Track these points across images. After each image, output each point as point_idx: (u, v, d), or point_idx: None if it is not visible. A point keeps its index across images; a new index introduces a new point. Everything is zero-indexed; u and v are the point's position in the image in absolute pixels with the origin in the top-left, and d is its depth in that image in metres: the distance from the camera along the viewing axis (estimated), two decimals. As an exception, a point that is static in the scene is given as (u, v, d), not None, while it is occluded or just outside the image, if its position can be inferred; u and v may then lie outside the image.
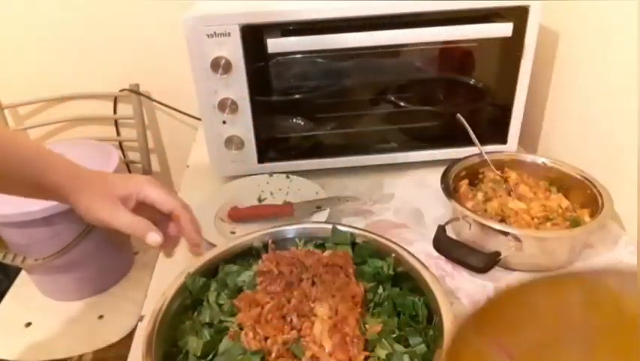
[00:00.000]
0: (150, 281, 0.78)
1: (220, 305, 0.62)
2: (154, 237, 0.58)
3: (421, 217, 0.89)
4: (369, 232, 0.69)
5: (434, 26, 0.87)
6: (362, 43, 0.88)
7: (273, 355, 0.54)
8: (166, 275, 0.68)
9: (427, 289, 0.60)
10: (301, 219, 0.86)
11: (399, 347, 0.55)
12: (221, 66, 0.87)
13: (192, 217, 0.63)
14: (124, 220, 0.57)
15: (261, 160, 0.98)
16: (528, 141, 1.09)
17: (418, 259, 0.64)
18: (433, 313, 0.58)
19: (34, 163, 0.56)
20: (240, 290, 0.64)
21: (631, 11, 0.78)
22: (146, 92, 1.43)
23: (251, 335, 0.55)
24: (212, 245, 0.77)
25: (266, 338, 0.55)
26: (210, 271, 0.66)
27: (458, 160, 0.88)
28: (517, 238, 0.72)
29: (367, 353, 0.54)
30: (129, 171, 1.53)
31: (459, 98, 1.02)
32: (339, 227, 0.70)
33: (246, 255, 0.69)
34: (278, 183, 0.96)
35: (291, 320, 0.57)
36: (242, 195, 0.94)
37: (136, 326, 0.68)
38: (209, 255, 0.67)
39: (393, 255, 0.65)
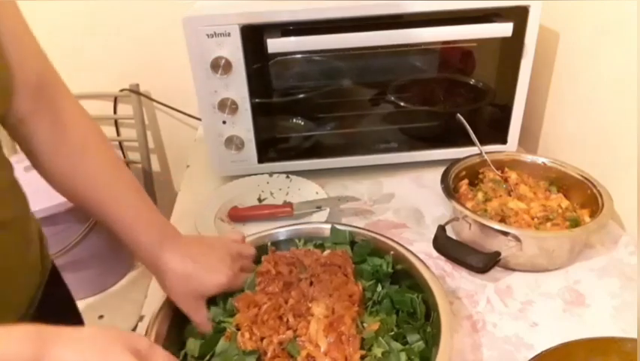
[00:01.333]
0: (150, 281, 0.78)
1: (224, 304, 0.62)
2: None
3: (421, 217, 0.89)
4: (368, 231, 0.69)
5: (434, 26, 0.87)
6: (362, 43, 0.88)
7: (269, 355, 0.54)
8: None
9: (425, 286, 0.60)
10: (301, 219, 0.86)
11: (396, 345, 0.55)
12: (221, 66, 0.87)
13: None
14: (201, 320, 0.60)
15: (261, 160, 0.98)
16: (528, 141, 1.09)
17: (416, 256, 0.64)
18: (431, 310, 0.58)
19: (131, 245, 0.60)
20: (240, 291, 0.64)
21: (630, 11, 0.78)
22: (146, 92, 1.43)
23: (247, 335, 0.55)
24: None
25: (262, 339, 0.55)
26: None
27: (458, 160, 0.88)
28: (517, 238, 0.72)
29: (363, 352, 0.54)
30: (129, 171, 1.53)
31: (459, 98, 1.02)
32: (338, 226, 0.70)
33: None
34: (278, 183, 0.96)
35: (288, 320, 0.57)
36: (242, 195, 0.94)
37: (136, 326, 0.68)
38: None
39: (392, 253, 0.65)
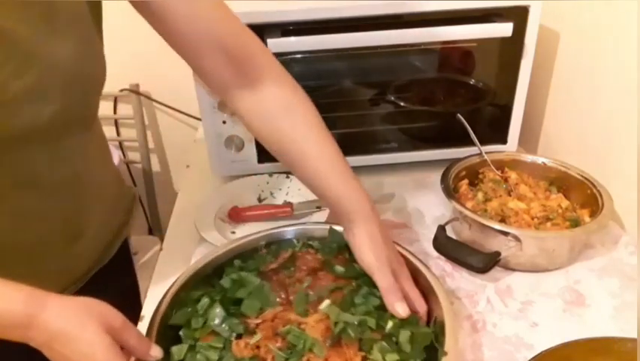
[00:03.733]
0: (150, 282, 0.78)
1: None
2: (402, 307, 0.56)
3: (421, 217, 0.89)
4: None
5: (434, 26, 0.87)
6: (362, 43, 0.88)
7: None
8: (166, 276, 0.68)
9: (428, 288, 0.60)
10: (301, 219, 0.86)
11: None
12: (221, 66, 0.87)
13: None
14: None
15: (261, 160, 0.98)
16: (528, 141, 1.09)
17: (419, 259, 0.64)
18: (432, 313, 0.58)
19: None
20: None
21: (631, 11, 0.78)
22: (146, 92, 1.43)
23: (242, 344, 0.55)
24: (213, 245, 0.77)
25: (257, 347, 0.55)
26: (211, 272, 0.65)
27: (458, 160, 0.88)
28: (517, 238, 0.72)
29: (363, 354, 0.54)
30: (129, 171, 1.53)
31: (459, 98, 1.02)
32: (336, 227, 0.69)
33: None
34: (278, 183, 0.96)
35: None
36: (242, 195, 0.94)
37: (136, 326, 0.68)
38: (209, 255, 0.67)
39: None
